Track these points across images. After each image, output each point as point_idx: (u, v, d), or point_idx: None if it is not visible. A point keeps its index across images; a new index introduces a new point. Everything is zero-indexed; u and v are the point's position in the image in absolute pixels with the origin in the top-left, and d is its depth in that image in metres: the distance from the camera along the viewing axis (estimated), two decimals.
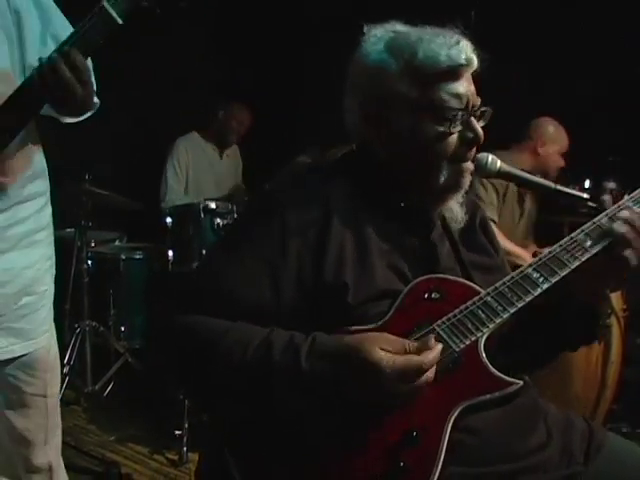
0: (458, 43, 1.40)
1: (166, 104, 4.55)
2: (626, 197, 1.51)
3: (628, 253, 1.40)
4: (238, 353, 1.27)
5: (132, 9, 1.60)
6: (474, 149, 1.47)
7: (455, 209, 1.51)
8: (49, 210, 1.96)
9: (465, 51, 1.39)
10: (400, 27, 1.46)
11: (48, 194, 1.94)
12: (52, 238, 1.98)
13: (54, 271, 2.01)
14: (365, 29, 1.49)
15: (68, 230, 4.12)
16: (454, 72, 1.40)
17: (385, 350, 1.22)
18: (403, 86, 1.41)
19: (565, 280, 1.40)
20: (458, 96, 1.40)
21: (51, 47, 1.67)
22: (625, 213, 1.44)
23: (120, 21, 1.60)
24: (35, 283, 1.91)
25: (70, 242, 3.85)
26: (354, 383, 1.23)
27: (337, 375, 1.23)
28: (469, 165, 1.47)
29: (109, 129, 3.80)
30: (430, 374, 1.24)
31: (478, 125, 1.44)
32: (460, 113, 1.41)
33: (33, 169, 1.86)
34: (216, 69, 4.90)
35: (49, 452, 2.02)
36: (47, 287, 1.97)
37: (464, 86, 1.41)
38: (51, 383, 2.00)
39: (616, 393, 3.23)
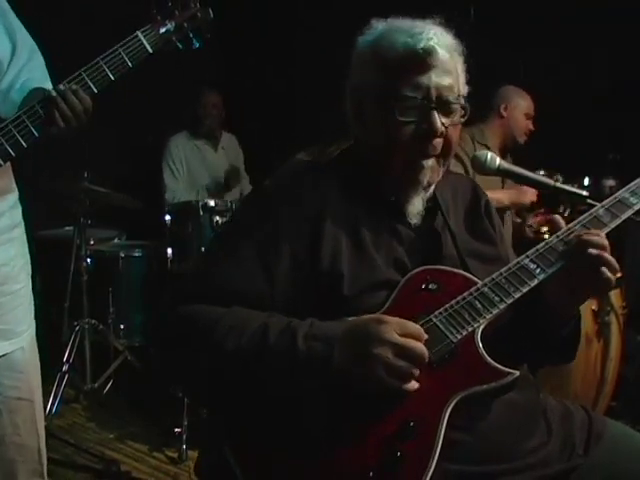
0: (421, 33, 1.38)
1: (165, 101, 4.56)
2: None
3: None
4: (233, 338, 1.27)
5: (162, 43, 1.88)
6: (434, 144, 1.42)
7: (416, 204, 1.48)
8: (20, 208, 1.96)
9: (425, 40, 1.37)
10: (398, 21, 1.46)
11: (17, 191, 1.95)
12: (25, 237, 1.98)
13: (29, 269, 1.99)
14: (371, 22, 1.49)
15: (67, 228, 4.15)
16: (414, 61, 1.38)
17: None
18: (371, 75, 1.43)
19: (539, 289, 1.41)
20: (416, 86, 1.39)
21: (6, 41, 1.85)
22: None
23: (150, 50, 1.85)
24: (10, 281, 1.89)
25: (69, 240, 3.85)
26: (351, 361, 1.23)
27: (332, 355, 1.23)
28: (428, 162, 1.44)
29: (108, 127, 3.82)
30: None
31: (440, 119, 1.40)
32: (414, 103, 1.39)
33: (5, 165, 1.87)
34: (215, 66, 4.91)
35: (43, 460, 2.01)
36: (23, 285, 1.94)
37: (428, 77, 1.39)
38: (37, 388, 1.98)
39: (615, 390, 3.23)
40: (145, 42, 1.85)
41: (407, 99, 1.39)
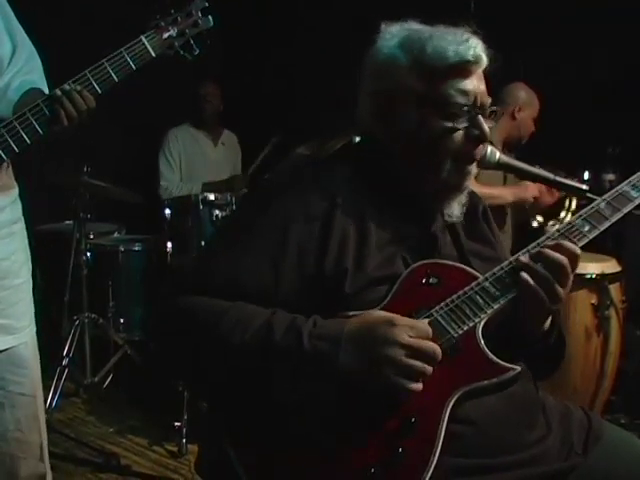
0: (467, 40, 1.41)
1: (165, 96, 4.56)
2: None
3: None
4: (238, 333, 1.27)
5: (165, 47, 1.97)
6: (479, 149, 1.46)
7: (454, 208, 1.51)
8: (20, 204, 1.98)
9: (474, 48, 1.40)
10: (416, 25, 1.48)
11: (17, 187, 1.96)
12: (25, 233, 1.99)
13: (30, 266, 2.00)
14: (382, 26, 1.50)
15: (67, 222, 4.15)
16: (462, 68, 1.41)
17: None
18: (411, 80, 1.43)
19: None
20: (465, 92, 1.41)
21: (7, 41, 1.90)
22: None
23: (153, 54, 1.94)
24: (11, 275, 1.90)
25: (69, 234, 3.85)
26: (359, 362, 1.24)
27: (338, 355, 1.23)
28: (473, 167, 1.48)
29: (107, 121, 3.81)
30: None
31: (485, 124, 1.44)
32: (466, 109, 1.41)
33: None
34: (214, 61, 4.91)
35: (45, 457, 2.01)
36: (24, 280, 1.95)
37: (473, 84, 1.42)
38: (38, 383, 1.99)
39: (614, 384, 3.25)
40: (149, 46, 1.93)
41: (458, 106, 1.41)
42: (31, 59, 1.97)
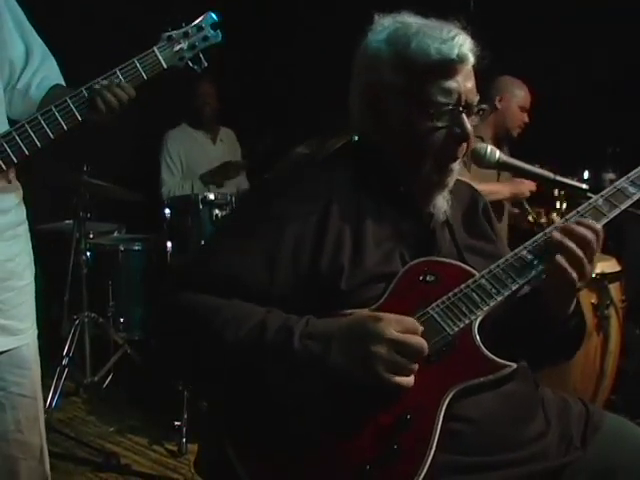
0: (453, 39, 1.39)
1: (164, 95, 4.56)
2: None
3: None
4: (232, 330, 1.28)
5: (175, 59, 2.00)
6: (463, 147, 1.45)
7: (439, 204, 1.50)
8: (24, 207, 1.98)
9: (459, 47, 1.38)
10: (407, 18, 1.46)
11: (21, 190, 1.96)
12: (29, 236, 1.99)
13: (34, 269, 2.01)
14: (375, 18, 1.48)
15: (67, 222, 4.15)
16: (445, 67, 1.39)
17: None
18: (394, 77, 1.42)
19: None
20: (448, 91, 1.39)
21: (19, 42, 1.94)
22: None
23: (165, 66, 1.98)
24: (15, 277, 1.90)
25: (69, 234, 3.86)
26: (348, 359, 1.24)
27: (329, 354, 1.24)
28: (455, 165, 1.46)
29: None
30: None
31: (469, 122, 1.42)
32: (447, 108, 1.40)
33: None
34: (213, 60, 4.91)
35: (45, 458, 2.01)
36: (27, 282, 1.96)
37: (457, 82, 1.40)
38: (39, 384, 1.99)
39: (614, 384, 3.24)
40: (160, 58, 1.97)
41: (440, 105, 1.40)
42: (46, 58, 2.00)
